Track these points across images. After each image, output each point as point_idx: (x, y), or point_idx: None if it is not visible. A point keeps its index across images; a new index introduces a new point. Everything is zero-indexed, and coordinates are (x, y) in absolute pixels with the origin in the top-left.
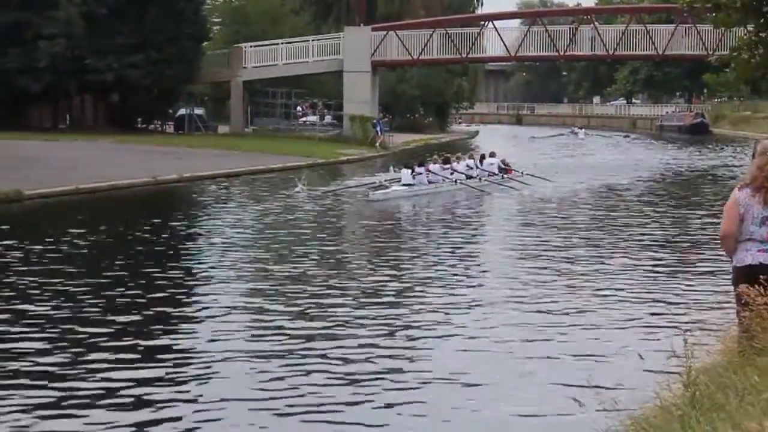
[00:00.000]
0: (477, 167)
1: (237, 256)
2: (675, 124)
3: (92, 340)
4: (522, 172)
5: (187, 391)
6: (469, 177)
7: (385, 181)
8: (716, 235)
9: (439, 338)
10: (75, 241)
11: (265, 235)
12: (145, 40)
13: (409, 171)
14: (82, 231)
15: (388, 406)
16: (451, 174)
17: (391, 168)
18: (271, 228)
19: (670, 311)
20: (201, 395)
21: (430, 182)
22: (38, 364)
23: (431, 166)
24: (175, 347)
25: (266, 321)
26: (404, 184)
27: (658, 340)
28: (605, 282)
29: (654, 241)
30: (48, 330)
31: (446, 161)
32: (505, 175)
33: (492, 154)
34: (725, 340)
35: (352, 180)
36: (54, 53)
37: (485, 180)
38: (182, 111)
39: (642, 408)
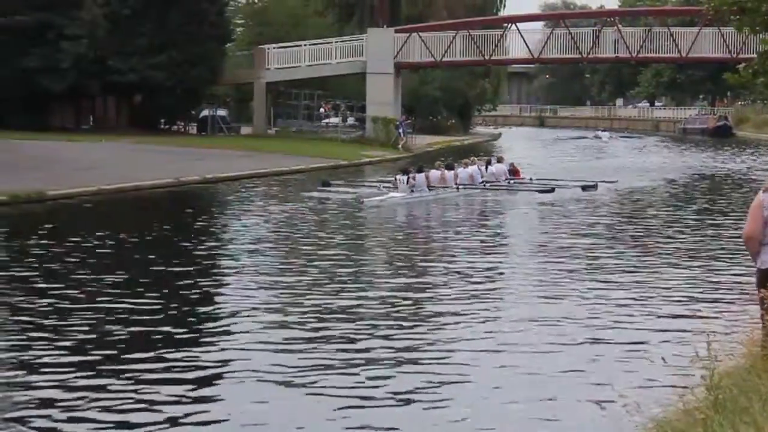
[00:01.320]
0: (482, 173)
1: (260, 259)
2: (698, 127)
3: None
4: (530, 178)
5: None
6: (471, 183)
7: (383, 187)
8: (740, 237)
9: (462, 338)
10: (96, 242)
11: (285, 238)
12: (169, 41)
13: (405, 178)
14: (104, 232)
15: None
16: (455, 181)
17: (379, 185)
18: (292, 230)
19: (694, 314)
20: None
21: (431, 189)
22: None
23: (432, 173)
24: (201, 348)
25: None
26: (401, 192)
27: (682, 343)
28: (628, 285)
29: (678, 244)
30: (73, 332)
31: (449, 167)
32: (512, 181)
33: (500, 160)
34: (749, 343)
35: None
36: (77, 54)
37: (490, 186)
38: (205, 112)
39: (665, 411)
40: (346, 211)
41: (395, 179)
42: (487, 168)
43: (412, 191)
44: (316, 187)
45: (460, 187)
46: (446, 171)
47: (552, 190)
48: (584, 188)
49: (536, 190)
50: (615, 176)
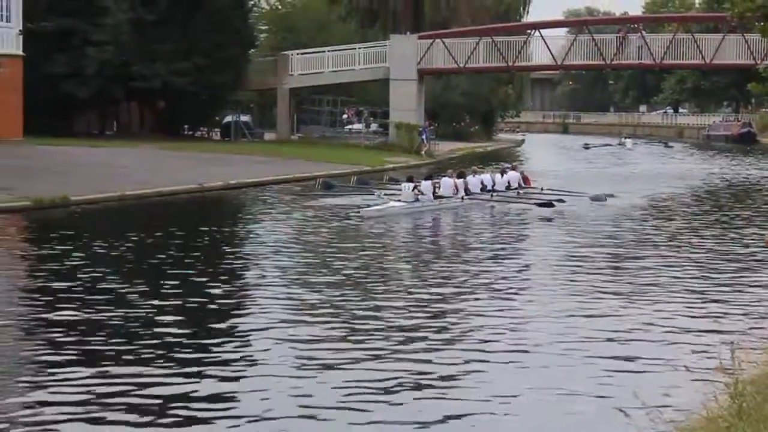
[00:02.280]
0: (494, 181)
1: (282, 264)
2: (722, 133)
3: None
4: (542, 188)
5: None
6: (482, 191)
7: (384, 195)
8: (764, 245)
9: (483, 350)
10: (119, 246)
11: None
12: (193, 46)
13: (411, 186)
14: (127, 237)
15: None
16: (464, 189)
17: (379, 193)
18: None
19: (718, 323)
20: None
21: (438, 198)
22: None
23: (444, 181)
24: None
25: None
26: (404, 201)
27: (706, 351)
28: (652, 293)
29: (702, 252)
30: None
31: (461, 176)
32: (521, 191)
33: (513, 168)
34: None
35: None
36: (102, 60)
37: (497, 196)
38: (229, 118)
39: (689, 419)
40: (335, 223)
41: (402, 186)
42: (502, 175)
43: (417, 200)
44: (318, 190)
45: (464, 197)
46: (458, 179)
47: (551, 205)
48: (594, 199)
49: (536, 203)
50: (637, 184)
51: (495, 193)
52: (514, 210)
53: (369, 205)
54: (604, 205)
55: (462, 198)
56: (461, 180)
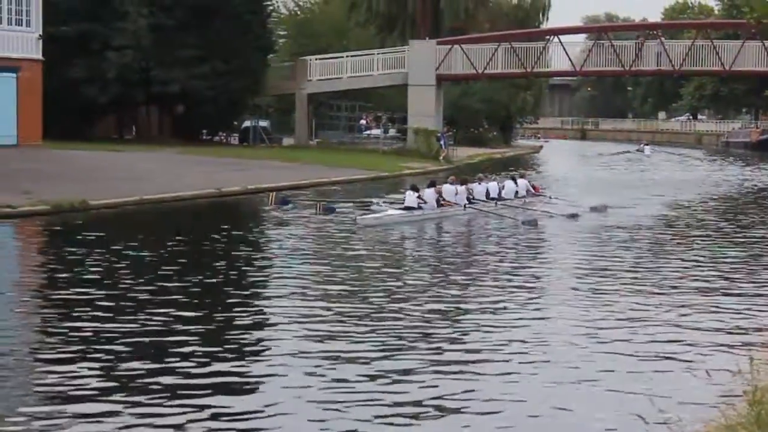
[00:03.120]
0: (499, 190)
1: (301, 270)
2: (741, 140)
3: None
4: (550, 196)
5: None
6: (487, 200)
7: (382, 203)
8: None
9: (504, 351)
10: (139, 251)
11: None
12: (212, 51)
13: (415, 194)
14: (147, 240)
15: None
16: (468, 197)
17: (378, 201)
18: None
19: (737, 329)
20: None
21: (441, 205)
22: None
23: (445, 188)
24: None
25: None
26: (405, 208)
27: (724, 358)
28: (671, 299)
29: (722, 258)
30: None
31: (464, 182)
32: (528, 199)
33: (521, 176)
34: None
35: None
36: (122, 64)
37: (501, 204)
38: (247, 123)
39: (706, 426)
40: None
41: (406, 195)
42: (516, 182)
43: (420, 207)
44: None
45: (467, 205)
46: (460, 186)
47: (534, 223)
48: (594, 210)
49: (522, 221)
50: (657, 190)
51: (500, 202)
52: (518, 218)
53: (367, 213)
54: (605, 215)
55: (465, 206)
56: (464, 187)
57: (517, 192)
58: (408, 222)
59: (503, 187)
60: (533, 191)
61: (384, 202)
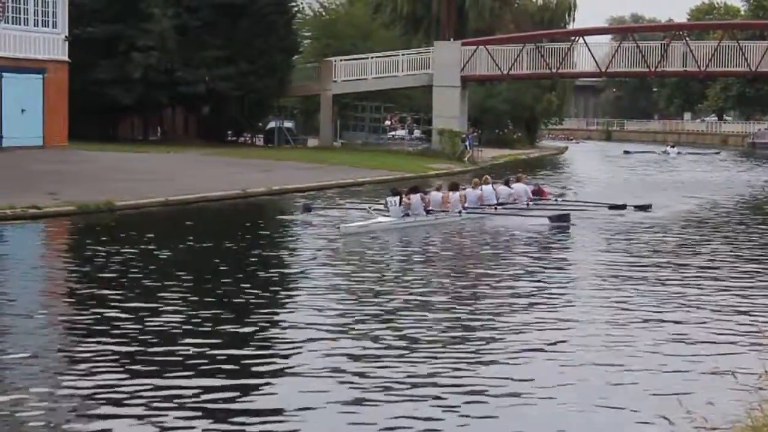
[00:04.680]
0: (497, 195)
1: (321, 272)
2: (767, 141)
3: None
4: (556, 198)
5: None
6: (483, 205)
7: (373, 210)
8: None
9: (530, 352)
10: (162, 251)
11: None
12: (237, 52)
13: (396, 200)
14: (170, 242)
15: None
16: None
17: (369, 208)
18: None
19: (763, 330)
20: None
21: (429, 213)
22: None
23: (432, 195)
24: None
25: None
26: (388, 215)
27: (751, 359)
28: (697, 300)
29: (749, 261)
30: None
31: (454, 188)
32: (531, 203)
33: (518, 179)
34: None
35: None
36: (147, 65)
37: (502, 209)
38: (272, 124)
39: (733, 427)
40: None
41: (386, 201)
42: (510, 186)
43: (408, 215)
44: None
45: (462, 211)
46: (450, 193)
47: (564, 219)
48: (612, 207)
49: (548, 217)
50: (681, 192)
51: (500, 207)
52: (515, 225)
53: (353, 221)
54: (623, 215)
55: (460, 212)
56: (455, 194)
57: (511, 196)
58: (396, 230)
59: (501, 191)
60: (531, 195)
61: (375, 209)
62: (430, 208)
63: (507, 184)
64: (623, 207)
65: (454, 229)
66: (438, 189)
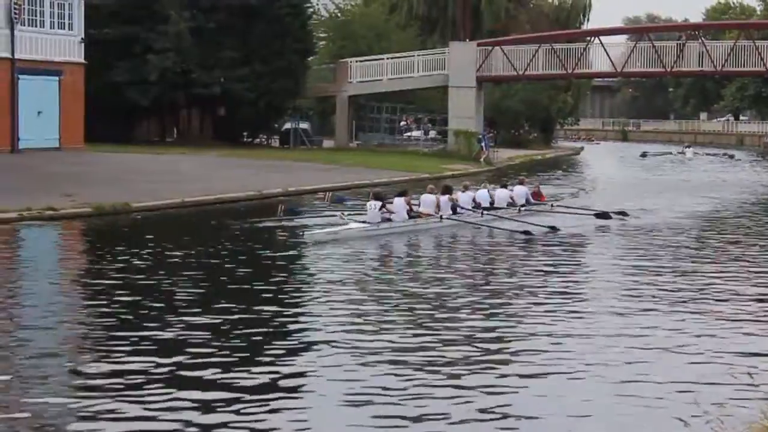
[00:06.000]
0: (491, 199)
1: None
2: None
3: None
4: (551, 204)
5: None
6: (475, 210)
7: (345, 215)
8: None
9: (546, 358)
10: (178, 253)
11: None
12: (252, 54)
13: (377, 205)
14: (186, 243)
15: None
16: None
17: (341, 213)
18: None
19: None
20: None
21: (411, 217)
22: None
23: (424, 198)
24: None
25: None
26: (369, 222)
27: (767, 360)
28: (711, 302)
29: (763, 262)
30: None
31: (446, 191)
32: (523, 209)
33: (521, 182)
34: None
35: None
36: (163, 67)
37: (490, 215)
38: (288, 125)
39: (749, 427)
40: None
41: (367, 206)
42: (510, 189)
43: (389, 219)
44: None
45: (444, 216)
46: (441, 196)
47: (554, 228)
48: (598, 216)
49: (538, 225)
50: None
51: (488, 211)
52: (498, 231)
53: (319, 228)
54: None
55: (441, 218)
56: (446, 197)
57: (512, 200)
58: (369, 237)
59: (494, 195)
60: (532, 199)
61: (349, 215)
62: (420, 210)
63: (505, 187)
64: (608, 216)
65: (417, 237)
66: (430, 192)
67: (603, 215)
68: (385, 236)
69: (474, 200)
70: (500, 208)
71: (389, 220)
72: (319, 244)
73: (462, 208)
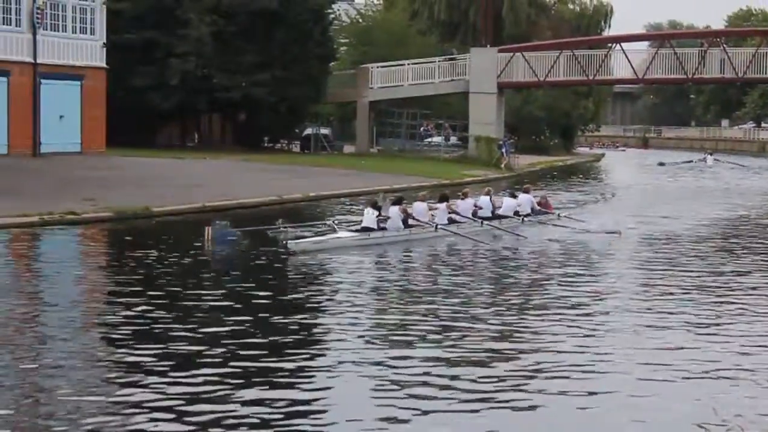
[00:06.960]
0: (493, 207)
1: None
2: None
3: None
4: (559, 215)
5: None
6: (475, 218)
7: (336, 223)
8: None
9: (562, 359)
10: (196, 257)
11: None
12: (273, 59)
13: (374, 213)
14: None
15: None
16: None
17: (331, 221)
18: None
19: None
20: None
21: (407, 225)
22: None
23: (416, 206)
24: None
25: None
26: (362, 228)
27: None
28: (731, 306)
29: None
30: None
31: (443, 199)
32: (526, 219)
33: (526, 191)
34: None
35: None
36: (185, 71)
37: (487, 224)
38: (308, 130)
39: None
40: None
41: (365, 212)
42: (516, 197)
43: (385, 228)
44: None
45: (438, 225)
46: (439, 204)
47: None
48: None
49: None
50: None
51: (487, 221)
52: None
53: (304, 237)
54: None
55: (436, 227)
56: (443, 205)
57: (518, 209)
58: (360, 246)
59: (501, 203)
60: (538, 208)
61: (338, 223)
62: (415, 218)
63: (513, 195)
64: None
65: (407, 248)
66: (422, 199)
67: (610, 233)
68: (374, 246)
69: (475, 205)
70: (505, 217)
71: (384, 228)
72: (306, 253)
73: (462, 216)
